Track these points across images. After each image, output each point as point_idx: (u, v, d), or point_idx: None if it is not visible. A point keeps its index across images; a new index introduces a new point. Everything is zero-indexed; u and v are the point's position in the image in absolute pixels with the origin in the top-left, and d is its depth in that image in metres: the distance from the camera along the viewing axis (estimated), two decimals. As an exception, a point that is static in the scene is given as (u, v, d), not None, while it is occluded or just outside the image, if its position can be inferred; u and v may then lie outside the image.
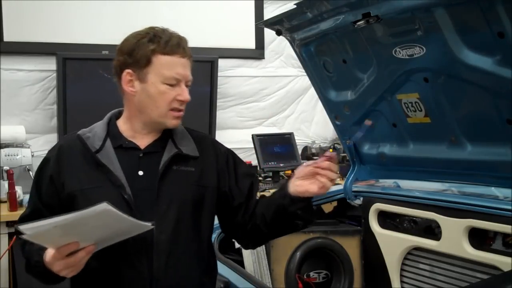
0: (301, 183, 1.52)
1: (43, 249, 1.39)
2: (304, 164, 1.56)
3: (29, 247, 1.49)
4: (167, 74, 1.52)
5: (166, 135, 1.63)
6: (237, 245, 2.43)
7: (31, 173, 3.63)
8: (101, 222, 1.31)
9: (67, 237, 1.31)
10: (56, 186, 1.55)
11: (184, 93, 1.56)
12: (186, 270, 1.56)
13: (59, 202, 1.55)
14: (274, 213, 1.58)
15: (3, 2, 3.80)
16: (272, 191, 3.93)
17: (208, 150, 1.67)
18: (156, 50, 1.51)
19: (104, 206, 1.24)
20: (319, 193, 1.52)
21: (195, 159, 1.62)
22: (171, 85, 1.53)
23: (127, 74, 1.54)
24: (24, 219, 1.60)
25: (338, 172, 1.55)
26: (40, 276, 1.49)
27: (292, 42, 2.45)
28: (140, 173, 1.56)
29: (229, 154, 1.72)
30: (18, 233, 1.59)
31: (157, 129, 1.61)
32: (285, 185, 1.57)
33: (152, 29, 1.56)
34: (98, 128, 1.61)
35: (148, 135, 1.61)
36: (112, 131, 1.60)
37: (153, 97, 1.53)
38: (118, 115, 1.66)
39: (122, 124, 1.62)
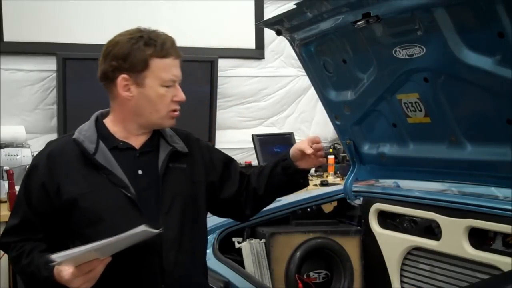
0: (300, 163, 1.75)
1: (50, 263, 1.38)
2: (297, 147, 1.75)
3: (30, 262, 1.48)
4: (165, 77, 1.53)
5: (157, 135, 1.65)
6: (237, 245, 2.43)
7: (31, 173, 3.63)
8: (131, 241, 1.36)
9: (91, 255, 1.34)
10: (49, 193, 1.52)
11: (180, 94, 1.58)
12: (193, 263, 1.61)
13: (52, 210, 1.53)
14: (279, 183, 1.77)
15: (3, 2, 3.80)
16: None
17: (194, 146, 1.72)
18: (153, 54, 1.51)
19: (143, 228, 1.31)
20: (314, 166, 1.87)
21: (186, 156, 1.66)
22: (168, 87, 1.55)
23: (122, 79, 1.53)
24: (13, 230, 1.57)
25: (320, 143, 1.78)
26: None
27: (292, 42, 2.45)
28: (140, 172, 1.57)
29: (209, 147, 1.81)
30: (3, 247, 1.59)
31: (152, 129, 1.63)
32: (285, 158, 1.77)
33: (141, 31, 1.55)
34: (88, 130, 1.58)
35: (141, 136, 1.62)
36: (102, 133, 1.59)
37: (153, 101, 1.54)
38: (103, 116, 1.64)
39: (111, 126, 1.61)
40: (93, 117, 1.63)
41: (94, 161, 1.53)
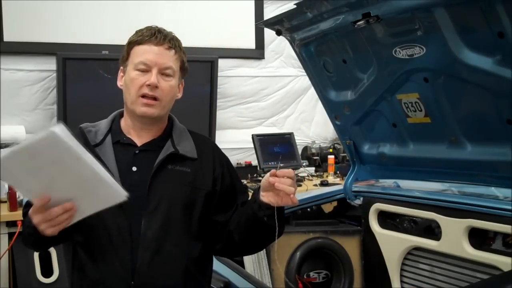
0: (265, 194, 1.50)
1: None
2: (267, 175, 1.49)
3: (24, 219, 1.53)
4: (136, 60, 1.57)
5: (167, 135, 1.64)
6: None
7: (31, 173, 3.63)
8: (58, 157, 1.30)
9: (37, 184, 1.33)
10: None
11: (152, 78, 1.55)
12: (170, 269, 1.55)
13: None
14: (246, 219, 1.57)
15: (3, 2, 3.80)
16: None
17: (208, 153, 1.68)
18: (131, 42, 1.59)
19: (53, 130, 1.26)
20: (283, 204, 1.48)
21: (193, 161, 1.63)
22: (142, 71, 1.56)
23: (120, 71, 1.63)
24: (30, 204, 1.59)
25: (294, 184, 1.47)
26: (30, 238, 1.51)
27: (292, 42, 2.45)
28: (134, 169, 1.58)
29: (229, 166, 1.72)
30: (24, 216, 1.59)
31: (139, 120, 1.61)
32: (257, 191, 1.54)
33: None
34: (103, 123, 1.66)
35: (145, 132, 1.63)
36: (115, 127, 1.65)
37: (127, 84, 1.58)
38: (123, 114, 1.69)
39: (122, 121, 1.67)
40: (113, 113, 1.70)
41: (93, 151, 1.56)
